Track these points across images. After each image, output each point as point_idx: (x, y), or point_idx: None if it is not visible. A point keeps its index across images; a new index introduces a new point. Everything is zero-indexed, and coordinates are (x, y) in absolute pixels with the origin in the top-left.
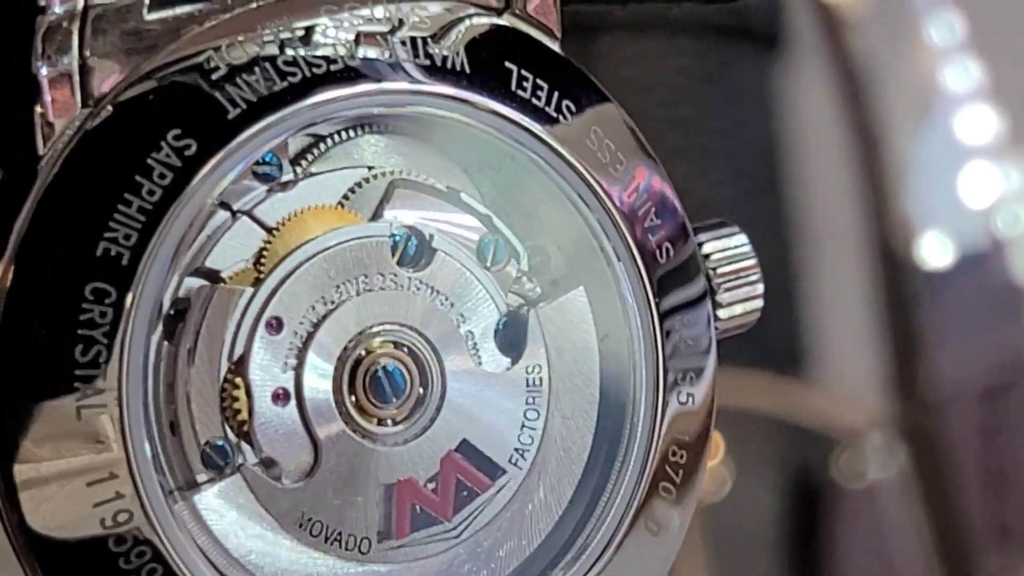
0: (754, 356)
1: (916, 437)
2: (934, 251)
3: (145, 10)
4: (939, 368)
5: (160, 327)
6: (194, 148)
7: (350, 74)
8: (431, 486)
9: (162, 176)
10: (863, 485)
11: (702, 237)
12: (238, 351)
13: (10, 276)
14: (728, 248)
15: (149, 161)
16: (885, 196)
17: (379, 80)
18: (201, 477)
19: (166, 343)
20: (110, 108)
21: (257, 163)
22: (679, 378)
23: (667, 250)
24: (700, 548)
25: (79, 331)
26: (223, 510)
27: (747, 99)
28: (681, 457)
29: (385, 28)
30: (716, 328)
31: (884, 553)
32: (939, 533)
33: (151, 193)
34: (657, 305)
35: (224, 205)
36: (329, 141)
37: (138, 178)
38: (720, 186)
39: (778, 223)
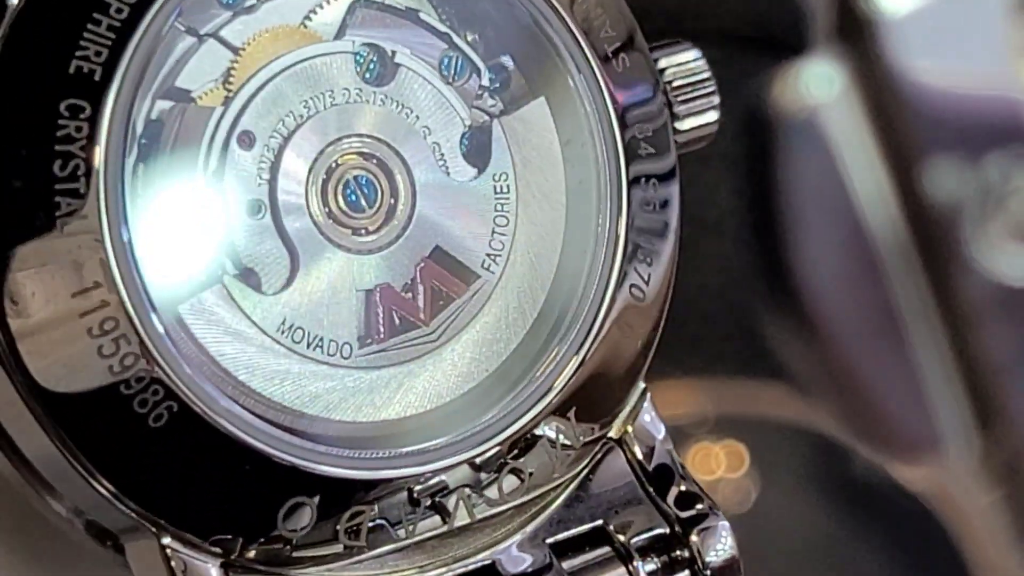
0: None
1: (855, 57)
2: None
3: None
4: None
5: (136, 149)
6: None
7: None
8: (408, 295)
9: None
10: (807, 110)
11: (656, 54)
12: (212, 166)
13: None
14: (682, 62)
15: None
16: None
17: None
18: (183, 292)
19: (142, 165)
20: None
21: None
22: (643, 180)
23: (623, 60)
24: None
25: (56, 147)
26: (207, 320)
27: (769, 107)
28: (649, 257)
29: None
30: (676, 141)
31: (835, 173)
32: (886, 144)
33: (119, 11)
34: (616, 109)
35: (191, 31)
36: None
37: None
38: (743, 194)
39: None
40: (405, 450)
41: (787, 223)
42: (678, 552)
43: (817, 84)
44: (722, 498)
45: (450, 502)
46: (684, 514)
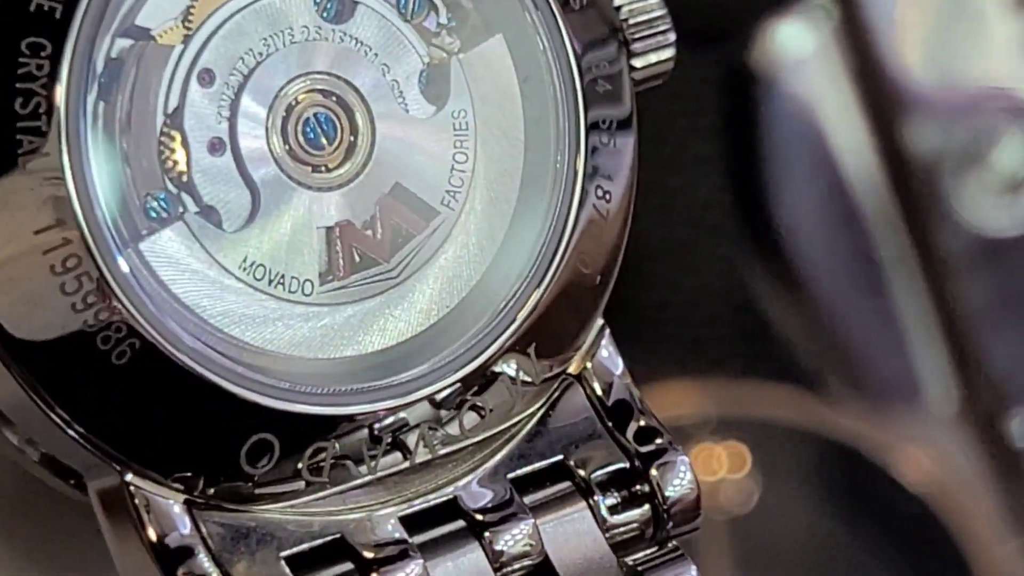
0: (781, 368)
1: (834, 10)
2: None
3: None
4: None
5: (96, 88)
6: None
7: None
8: (368, 231)
9: None
10: (786, 66)
11: None
12: (172, 104)
13: None
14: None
15: None
16: None
17: None
18: (144, 230)
19: (102, 103)
20: None
21: None
22: (600, 123)
23: None
24: (727, 561)
25: (17, 84)
26: (169, 257)
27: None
28: (607, 195)
29: None
30: (633, 79)
31: (816, 128)
32: (866, 98)
33: None
34: (573, 48)
35: None
36: None
37: None
38: (721, 147)
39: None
40: (366, 386)
41: (768, 178)
42: (638, 487)
43: (795, 40)
44: (724, 499)
45: (411, 439)
46: (643, 449)
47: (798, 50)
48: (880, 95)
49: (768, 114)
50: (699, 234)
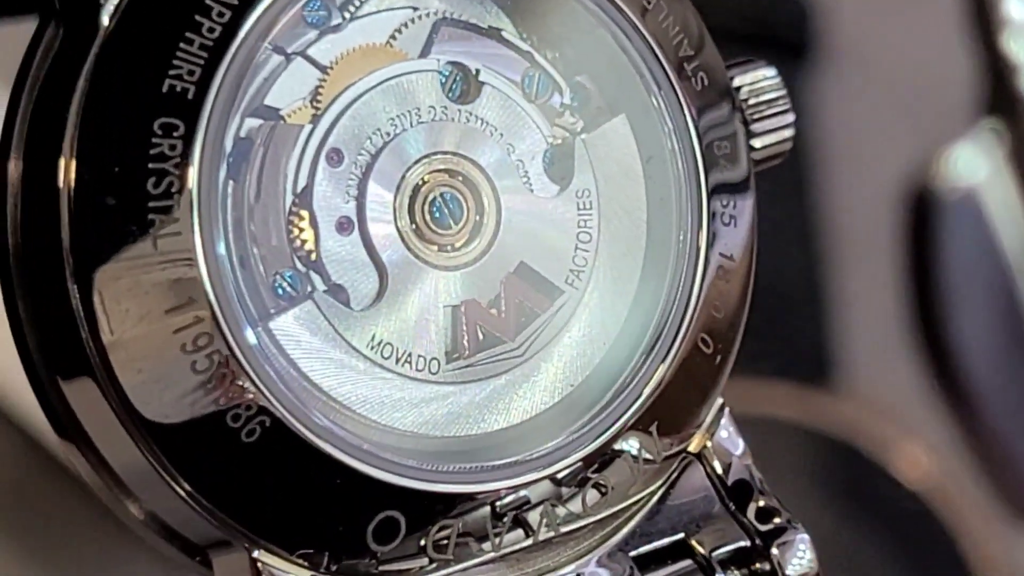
0: (781, 365)
1: (1010, 133)
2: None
3: None
4: None
5: (225, 167)
6: None
7: None
8: (493, 310)
9: (220, 14)
10: (962, 190)
11: (731, 72)
12: (301, 184)
13: (80, 115)
14: (757, 80)
15: (207, 1)
16: None
17: None
18: (273, 309)
19: (231, 183)
20: None
21: (307, 10)
22: (722, 195)
23: (702, 79)
24: None
25: (150, 165)
26: (298, 336)
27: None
28: (727, 275)
29: None
30: (752, 159)
31: (990, 251)
32: None
33: (211, 30)
34: (696, 126)
35: (278, 50)
36: None
37: (198, 17)
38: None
39: (805, 230)
40: (489, 464)
41: (944, 300)
42: (758, 565)
43: (969, 164)
44: None
45: (533, 516)
46: (763, 527)
47: (972, 174)
48: None
49: (944, 238)
50: None
